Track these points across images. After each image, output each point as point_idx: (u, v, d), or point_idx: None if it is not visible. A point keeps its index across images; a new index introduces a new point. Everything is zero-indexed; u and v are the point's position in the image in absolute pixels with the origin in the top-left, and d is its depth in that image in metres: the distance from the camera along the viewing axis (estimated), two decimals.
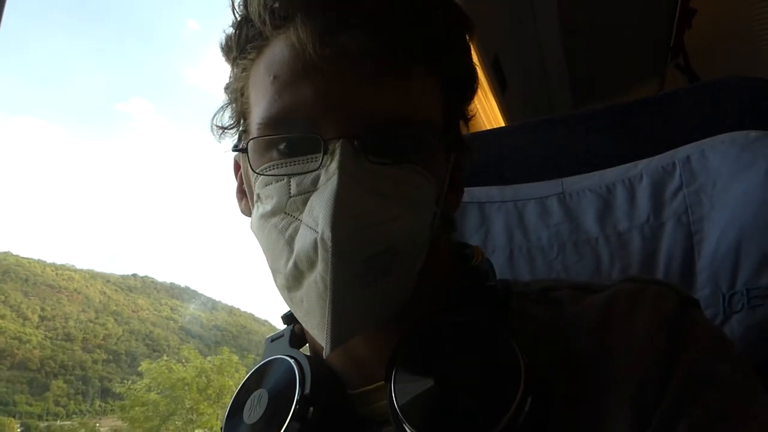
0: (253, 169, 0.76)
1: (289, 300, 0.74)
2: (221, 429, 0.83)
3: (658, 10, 2.98)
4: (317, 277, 0.66)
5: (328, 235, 0.63)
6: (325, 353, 0.67)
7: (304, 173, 0.70)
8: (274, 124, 0.73)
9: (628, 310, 0.75)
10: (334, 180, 0.66)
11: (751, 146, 1.07)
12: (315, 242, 0.65)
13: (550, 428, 0.66)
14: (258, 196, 0.76)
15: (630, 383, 0.69)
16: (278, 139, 0.73)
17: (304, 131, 0.71)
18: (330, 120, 0.69)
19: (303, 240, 0.67)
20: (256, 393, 0.81)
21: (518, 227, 1.24)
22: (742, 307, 1.00)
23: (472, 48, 0.85)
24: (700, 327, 0.73)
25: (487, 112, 2.59)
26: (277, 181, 0.72)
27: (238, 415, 0.81)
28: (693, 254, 1.09)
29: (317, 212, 0.66)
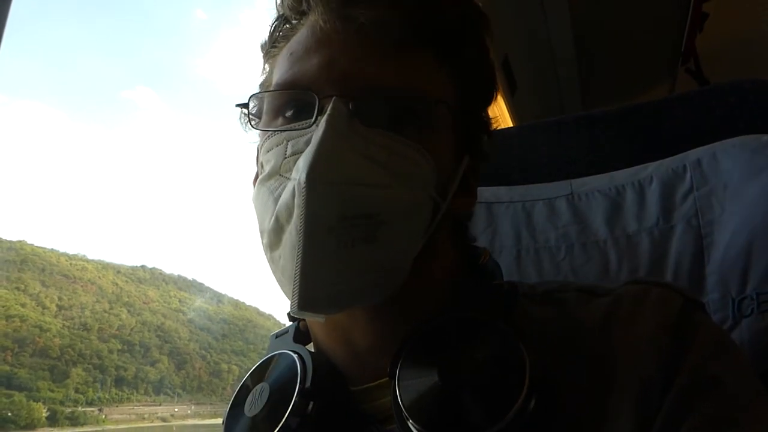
0: (252, 127, 0.81)
1: (271, 262, 0.74)
2: (223, 422, 0.83)
3: (669, 14, 2.97)
4: (292, 227, 0.66)
5: (303, 178, 0.64)
6: (291, 308, 0.67)
7: (299, 136, 0.72)
8: (280, 89, 0.77)
9: (632, 311, 0.75)
10: (320, 132, 0.67)
11: (762, 150, 1.06)
12: (293, 190, 0.66)
13: (554, 428, 0.66)
14: (261, 164, 0.78)
15: (633, 385, 0.69)
16: (284, 105, 0.77)
17: (303, 90, 0.74)
18: (329, 82, 0.72)
19: (286, 192, 0.69)
20: (258, 387, 0.81)
21: (526, 228, 1.24)
22: (751, 311, 0.99)
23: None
24: (704, 329, 0.73)
25: (496, 113, 2.58)
26: (277, 146, 0.75)
27: (240, 407, 0.81)
28: (702, 258, 1.08)
29: (300, 163, 0.67)
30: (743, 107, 1.19)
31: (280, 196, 0.70)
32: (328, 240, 0.65)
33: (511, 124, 2.70)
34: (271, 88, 0.79)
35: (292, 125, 0.74)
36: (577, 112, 1.45)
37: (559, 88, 3.29)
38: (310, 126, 0.71)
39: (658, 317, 0.73)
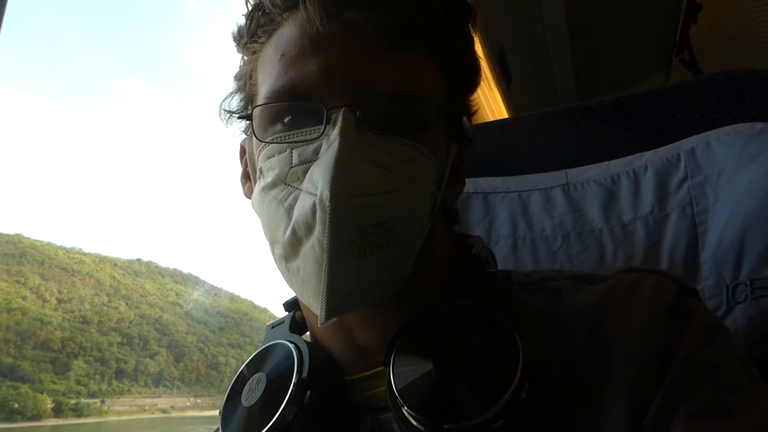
0: (258, 138, 0.77)
1: (286, 271, 0.75)
2: (220, 412, 0.84)
3: (664, 5, 2.97)
4: (314, 242, 0.67)
5: (326, 196, 0.64)
6: (319, 321, 0.68)
7: (306, 144, 0.72)
8: (279, 96, 0.75)
9: (626, 299, 0.76)
10: (335, 146, 0.67)
11: (756, 138, 1.07)
12: (314, 206, 0.66)
13: (548, 415, 0.67)
14: (260, 170, 0.77)
15: (628, 372, 0.70)
16: (283, 111, 0.76)
17: (309, 102, 0.73)
18: (333, 90, 0.72)
19: (302, 206, 0.69)
20: (255, 377, 0.82)
21: (522, 218, 1.24)
22: (745, 297, 1.00)
23: (476, 40, 0.86)
24: (699, 316, 0.74)
25: (492, 105, 2.59)
26: (280, 153, 0.74)
27: (237, 398, 0.82)
28: (697, 245, 1.09)
29: (317, 177, 0.67)
30: (737, 96, 1.19)
31: (292, 207, 0.70)
32: (350, 252, 0.66)
33: (506, 116, 2.71)
34: (267, 95, 0.76)
35: (294, 132, 0.73)
36: (573, 102, 1.45)
37: (554, 79, 3.29)
38: (319, 136, 0.71)
39: (653, 305, 0.73)
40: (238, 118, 0.87)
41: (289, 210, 0.71)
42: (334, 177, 0.65)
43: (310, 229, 0.67)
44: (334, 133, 0.68)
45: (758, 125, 1.09)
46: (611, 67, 3.43)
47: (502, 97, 2.66)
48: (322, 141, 0.70)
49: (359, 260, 0.67)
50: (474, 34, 0.86)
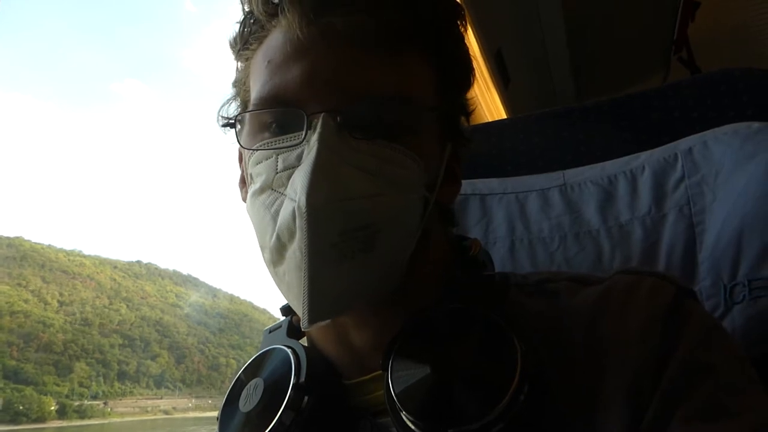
0: (243, 146, 0.79)
1: (275, 276, 0.75)
2: (218, 417, 0.83)
3: (662, 4, 2.97)
4: (296, 247, 0.67)
5: (303, 202, 0.64)
6: (303, 325, 0.68)
7: (290, 150, 0.72)
8: (264, 104, 0.75)
9: (624, 301, 0.76)
10: (313, 151, 0.68)
11: (753, 137, 1.07)
12: (293, 211, 0.66)
13: (546, 417, 0.67)
14: (250, 176, 0.78)
15: (625, 374, 0.70)
16: (269, 118, 0.76)
17: (291, 108, 0.73)
18: (314, 96, 0.72)
19: (285, 211, 0.69)
20: (253, 382, 0.82)
21: (520, 219, 1.24)
22: (743, 298, 1.00)
23: (473, 40, 0.86)
24: (696, 317, 0.74)
25: (490, 105, 2.58)
26: (267, 159, 0.74)
27: (234, 403, 0.82)
28: (695, 245, 1.09)
29: (297, 183, 0.67)
30: (733, 95, 1.19)
31: (277, 213, 0.71)
32: (330, 256, 0.66)
33: (505, 116, 2.70)
34: (254, 102, 0.77)
35: (279, 139, 0.74)
36: (571, 102, 1.46)
37: (552, 79, 3.28)
38: (301, 142, 0.71)
39: (650, 307, 0.73)
40: (223, 125, 0.87)
41: (275, 216, 0.71)
42: (311, 182, 0.65)
43: (292, 234, 0.68)
44: (314, 139, 0.68)
45: (755, 125, 1.09)
46: (610, 67, 3.43)
47: (500, 98, 2.65)
48: (304, 146, 0.70)
49: (341, 264, 0.67)
50: (465, 33, 0.85)
